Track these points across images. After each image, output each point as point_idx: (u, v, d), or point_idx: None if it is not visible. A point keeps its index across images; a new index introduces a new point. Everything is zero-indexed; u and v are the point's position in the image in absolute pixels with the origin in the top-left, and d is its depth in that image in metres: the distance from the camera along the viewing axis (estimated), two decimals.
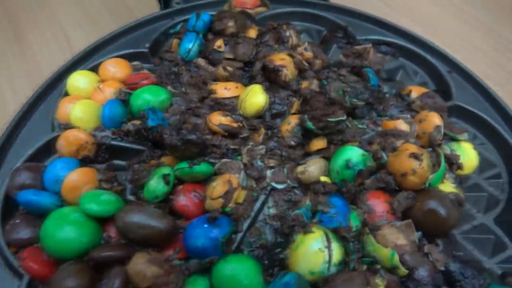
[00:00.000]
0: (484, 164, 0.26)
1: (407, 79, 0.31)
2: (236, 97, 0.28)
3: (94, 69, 0.30)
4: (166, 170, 0.23)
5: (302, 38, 0.33)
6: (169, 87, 0.29)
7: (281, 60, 0.28)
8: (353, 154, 0.23)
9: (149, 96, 0.27)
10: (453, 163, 0.24)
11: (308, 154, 0.25)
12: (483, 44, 0.43)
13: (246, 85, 0.29)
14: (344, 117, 0.24)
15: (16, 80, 0.40)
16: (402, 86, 0.29)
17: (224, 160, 0.24)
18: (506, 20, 0.46)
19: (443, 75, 0.30)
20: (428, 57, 0.31)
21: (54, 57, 0.42)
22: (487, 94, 0.29)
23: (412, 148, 0.22)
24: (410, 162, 0.22)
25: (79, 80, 0.28)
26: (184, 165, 0.23)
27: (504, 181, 0.26)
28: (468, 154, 0.25)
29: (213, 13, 0.33)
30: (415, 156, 0.21)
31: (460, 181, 0.25)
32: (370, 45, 0.29)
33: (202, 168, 0.23)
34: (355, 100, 0.25)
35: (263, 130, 0.26)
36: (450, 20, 0.49)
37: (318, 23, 0.34)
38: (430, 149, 0.24)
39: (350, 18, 0.34)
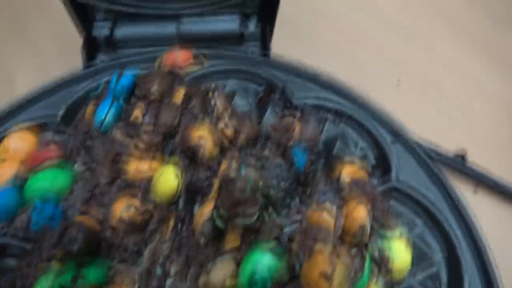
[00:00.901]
0: (421, 260, 0.23)
1: (346, 151, 0.28)
2: (150, 178, 0.25)
3: None
4: (48, 282, 0.20)
5: (236, 101, 0.30)
6: (77, 165, 0.26)
7: (199, 138, 0.25)
8: (262, 262, 0.20)
9: (45, 184, 0.24)
10: (381, 267, 0.21)
11: (220, 253, 0.23)
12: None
13: (166, 159, 0.26)
14: (253, 220, 0.21)
15: None
16: (336, 164, 0.26)
17: (119, 267, 0.21)
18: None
19: (384, 148, 0.27)
20: (370, 125, 0.28)
21: None
22: (431, 171, 0.26)
23: (323, 264, 0.19)
24: (321, 282, 0.19)
25: None
26: (70, 273, 0.21)
27: (443, 282, 0.23)
28: (399, 255, 0.22)
29: (140, 71, 0.30)
30: (325, 277, 0.18)
31: (392, 285, 0.22)
32: (296, 123, 0.26)
33: (90, 277, 0.20)
34: (273, 192, 0.22)
35: (172, 223, 0.23)
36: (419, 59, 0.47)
37: (256, 82, 0.31)
38: (356, 248, 0.22)
39: (290, 76, 0.31)
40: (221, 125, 0.26)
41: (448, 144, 0.42)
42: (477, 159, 0.40)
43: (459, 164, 0.38)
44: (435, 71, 0.47)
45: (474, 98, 0.45)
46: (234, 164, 0.24)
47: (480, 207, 0.37)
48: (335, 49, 0.49)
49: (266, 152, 0.24)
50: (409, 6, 0.52)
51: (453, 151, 0.39)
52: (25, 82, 0.40)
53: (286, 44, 0.45)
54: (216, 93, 0.28)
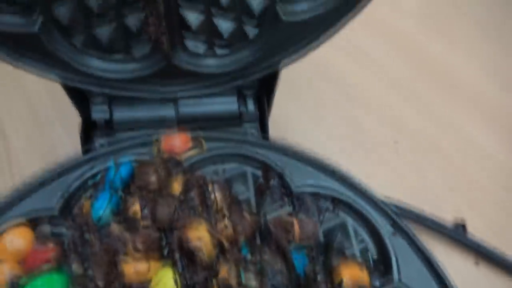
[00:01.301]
0: None
1: (347, 243, 0.27)
2: (148, 281, 0.25)
3: None
4: None
5: (235, 188, 0.30)
6: (74, 265, 0.26)
7: (198, 240, 0.25)
8: None
9: None
10: None
11: None
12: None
13: (162, 256, 0.26)
14: None
15: None
16: (337, 262, 0.26)
17: None
18: None
19: (384, 241, 0.27)
20: (371, 216, 0.28)
21: None
22: (433, 268, 0.26)
23: None
24: None
25: None
26: None
27: None
28: None
29: (140, 157, 0.30)
30: None
31: None
32: (296, 225, 0.26)
33: None
34: None
35: None
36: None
37: (255, 165, 0.31)
38: None
39: (290, 159, 0.31)
40: (220, 225, 0.26)
41: (446, 209, 0.42)
42: (477, 226, 0.40)
43: (459, 235, 0.37)
44: (432, 131, 0.47)
45: (471, 161, 0.45)
46: (233, 269, 0.24)
47: (482, 280, 0.37)
48: (334, 106, 0.49)
49: (266, 256, 0.24)
50: (408, 65, 0.53)
51: (452, 220, 0.39)
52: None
53: (284, 101, 0.45)
54: (215, 186, 0.28)
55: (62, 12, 0.26)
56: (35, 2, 0.25)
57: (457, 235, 0.37)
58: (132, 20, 0.27)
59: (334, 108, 0.50)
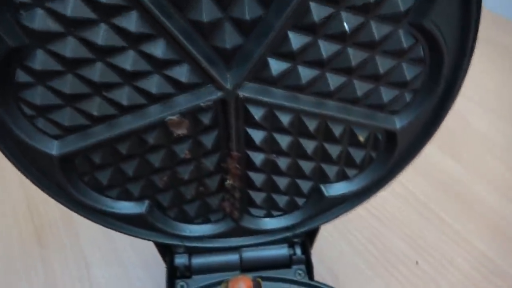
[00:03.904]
0: None
1: None
2: None
3: None
4: None
5: None
6: None
7: None
8: None
9: None
10: None
11: None
12: None
13: None
14: None
15: None
16: None
17: None
18: None
19: None
20: None
21: None
22: None
23: None
24: None
25: None
26: None
27: None
28: None
29: None
30: None
31: None
32: None
33: None
34: None
35: None
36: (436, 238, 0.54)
37: None
38: None
39: None
40: None
41: None
42: None
43: None
44: (449, 248, 0.54)
45: (486, 277, 0.52)
46: None
47: None
48: (361, 225, 0.57)
49: None
50: (426, 182, 0.61)
51: None
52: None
53: None
54: None
55: (164, 198, 0.36)
56: (146, 194, 0.35)
57: None
58: (214, 200, 0.37)
59: (360, 224, 0.57)
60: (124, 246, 0.52)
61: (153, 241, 0.39)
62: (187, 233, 0.39)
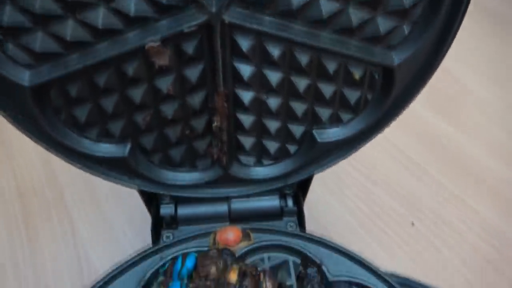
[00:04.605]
0: None
1: None
2: None
3: None
4: None
5: (280, 276, 0.36)
6: None
7: None
8: None
9: None
10: None
11: None
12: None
13: None
14: None
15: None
16: None
17: None
18: None
19: None
20: None
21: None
22: None
23: None
24: None
25: None
26: None
27: None
28: None
29: (200, 247, 0.36)
30: None
31: None
32: None
33: None
34: None
35: None
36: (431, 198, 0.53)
37: (295, 255, 0.37)
38: None
39: (325, 250, 0.37)
40: None
41: (460, 284, 0.46)
42: None
43: None
44: (445, 209, 0.53)
45: (482, 237, 0.50)
46: None
47: None
48: (355, 185, 0.55)
49: None
50: (420, 145, 0.59)
51: None
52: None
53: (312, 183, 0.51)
54: (266, 276, 0.34)
55: (147, 140, 0.34)
56: (127, 135, 0.33)
57: None
58: (200, 144, 0.35)
59: (355, 187, 0.56)
60: (109, 205, 0.50)
61: (137, 189, 0.37)
62: (172, 181, 0.37)
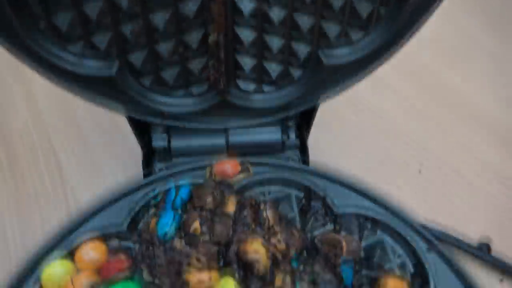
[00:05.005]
0: None
1: (385, 259, 0.30)
2: None
3: (71, 253, 0.30)
4: None
5: (281, 209, 0.33)
6: (145, 273, 0.29)
7: (255, 253, 0.28)
8: None
9: None
10: None
11: None
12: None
13: (221, 267, 0.29)
14: None
15: None
16: (378, 274, 0.29)
17: None
18: None
19: (421, 259, 0.29)
20: (407, 234, 0.31)
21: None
22: (467, 282, 0.28)
23: None
24: None
25: (54, 272, 0.29)
26: None
27: None
28: None
29: (195, 180, 0.34)
30: None
31: None
32: (343, 242, 0.29)
33: None
34: None
35: None
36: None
37: (298, 189, 0.34)
38: None
39: (330, 183, 0.34)
40: (274, 240, 0.29)
41: (471, 231, 0.44)
42: (501, 244, 0.42)
43: (484, 253, 0.40)
44: (454, 157, 0.50)
45: (492, 183, 0.48)
46: (288, 279, 0.27)
47: None
48: (361, 135, 0.53)
49: (317, 267, 0.27)
50: (428, 95, 0.57)
51: (477, 240, 0.42)
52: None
53: (314, 131, 0.48)
54: (267, 206, 0.31)
55: (136, 58, 0.31)
56: (112, 49, 0.30)
57: (481, 254, 0.39)
58: (195, 64, 0.32)
59: (361, 137, 0.53)
60: (97, 142, 0.47)
61: (126, 116, 0.34)
62: (165, 108, 0.34)
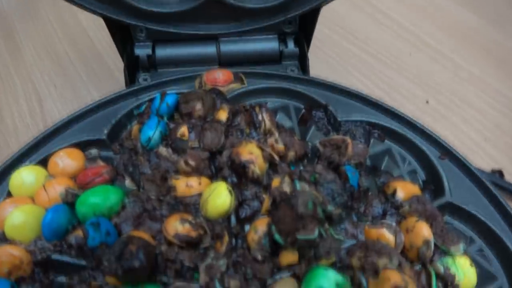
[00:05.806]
0: (483, 277, 0.23)
1: (394, 167, 0.27)
2: (199, 195, 0.25)
3: (45, 162, 0.27)
4: None
5: (278, 118, 0.30)
6: (127, 181, 0.26)
7: (249, 154, 0.25)
8: (328, 278, 0.19)
9: (97, 200, 0.23)
10: (447, 284, 0.21)
11: (277, 268, 0.22)
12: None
13: (212, 177, 0.26)
14: (316, 235, 0.20)
15: None
16: (387, 180, 0.26)
17: (177, 283, 0.21)
18: None
19: (434, 164, 0.26)
20: (417, 141, 0.28)
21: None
22: (484, 187, 0.26)
23: (395, 277, 0.19)
24: None
25: (24, 177, 0.25)
26: None
27: None
28: (465, 272, 0.21)
29: (182, 91, 0.30)
30: None
31: None
32: (349, 140, 0.26)
33: None
34: (330, 207, 0.22)
35: (227, 239, 0.23)
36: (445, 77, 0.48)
37: (297, 99, 0.31)
38: (419, 266, 0.21)
39: (332, 94, 0.31)
40: (271, 140, 0.26)
41: (482, 158, 0.41)
42: None
43: (497, 180, 0.37)
44: (460, 87, 0.47)
45: (502, 112, 0.45)
46: (287, 180, 0.24)
47: None
48: (365, 68, 0.49)
49: (319, 168, 0.24)
50: (434, 27, 0.53)
51: (489, 169, 0.39)
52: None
53: (314, 62, 0.45)
54: (263, 108, 0.28)
55: None
56: None
57: (494, 180, 0.37)
58: None
59: (365, 70, 0.50)
60: (73, 64, 0.44)
61: (104, 16, 0.30)
62: (147, 5, 0.30)
